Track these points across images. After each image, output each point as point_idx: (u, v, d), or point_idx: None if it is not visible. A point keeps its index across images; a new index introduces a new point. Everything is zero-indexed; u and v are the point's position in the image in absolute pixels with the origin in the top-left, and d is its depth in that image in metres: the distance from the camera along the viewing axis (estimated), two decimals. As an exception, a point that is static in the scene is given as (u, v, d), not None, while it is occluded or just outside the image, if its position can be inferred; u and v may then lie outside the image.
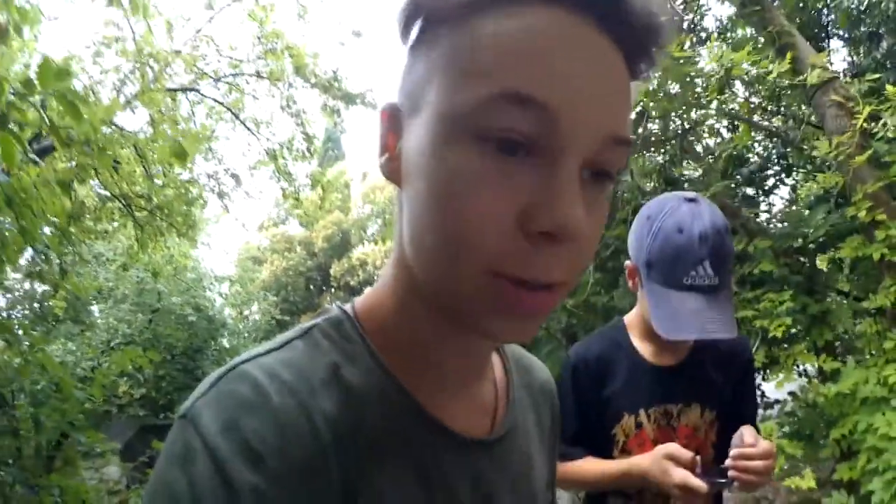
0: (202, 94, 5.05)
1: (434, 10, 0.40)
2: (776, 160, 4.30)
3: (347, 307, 0.48)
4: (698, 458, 1.03)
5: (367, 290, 0.50)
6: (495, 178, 0.36)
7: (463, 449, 0.46)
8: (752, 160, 4.28)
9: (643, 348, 1.18)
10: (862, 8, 4.04)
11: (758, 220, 3.92)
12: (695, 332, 1.04)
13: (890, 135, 2.81)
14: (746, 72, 3.26)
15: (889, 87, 2.89)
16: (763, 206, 4.42)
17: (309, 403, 0.38)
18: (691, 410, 1.16)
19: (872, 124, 2.93)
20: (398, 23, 0.42)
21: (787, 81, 3.41)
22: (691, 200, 1.09)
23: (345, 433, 0.39)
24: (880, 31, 4.04)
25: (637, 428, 1.15)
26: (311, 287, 13.14)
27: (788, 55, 3.16)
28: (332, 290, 12.43)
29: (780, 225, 3.87)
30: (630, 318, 1.22)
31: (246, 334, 9.61)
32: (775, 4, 4.56)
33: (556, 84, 0.35)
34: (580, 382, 1.18)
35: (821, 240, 3.09)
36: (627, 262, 1.16)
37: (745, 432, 1.05)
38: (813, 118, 3.38)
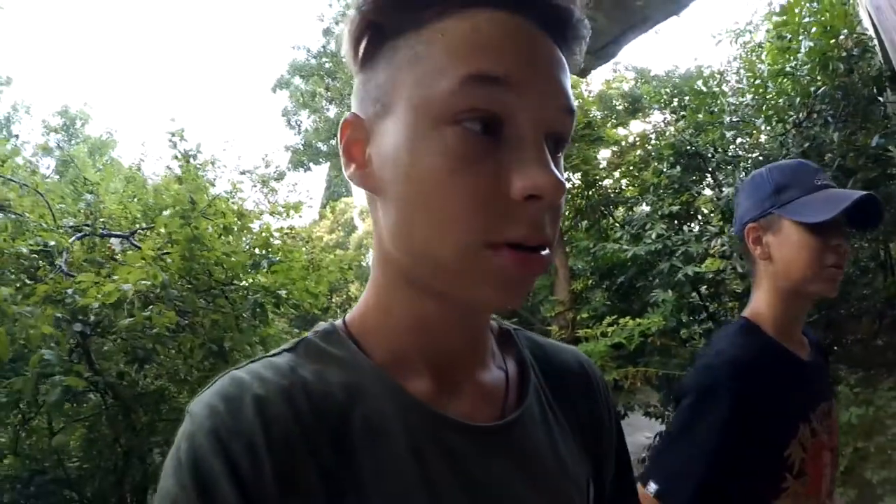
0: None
1: (391, 26, 0.45)
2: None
3: (338, 320, 0.52)
4: None
5: (356, 304, 0.53)
6: (475, 155, 0.41)
7: (465, 435, 0.47)
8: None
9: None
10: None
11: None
12: (851, 199, 0.96)
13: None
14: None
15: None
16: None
17: (291, 393, 0.43)
18: (832, 406, 1.03)
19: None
20: (350, 44, 0.48)
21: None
22: None
23: (328, 420, 0.43)
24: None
25: (813, 437, 0.97)
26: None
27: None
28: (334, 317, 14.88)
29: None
30: (757, 315, 1.04)
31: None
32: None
33: (512, 64, 0.42)
34: (743, 408, 0.91)
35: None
36: (748, 228, 1.06)
37: None
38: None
